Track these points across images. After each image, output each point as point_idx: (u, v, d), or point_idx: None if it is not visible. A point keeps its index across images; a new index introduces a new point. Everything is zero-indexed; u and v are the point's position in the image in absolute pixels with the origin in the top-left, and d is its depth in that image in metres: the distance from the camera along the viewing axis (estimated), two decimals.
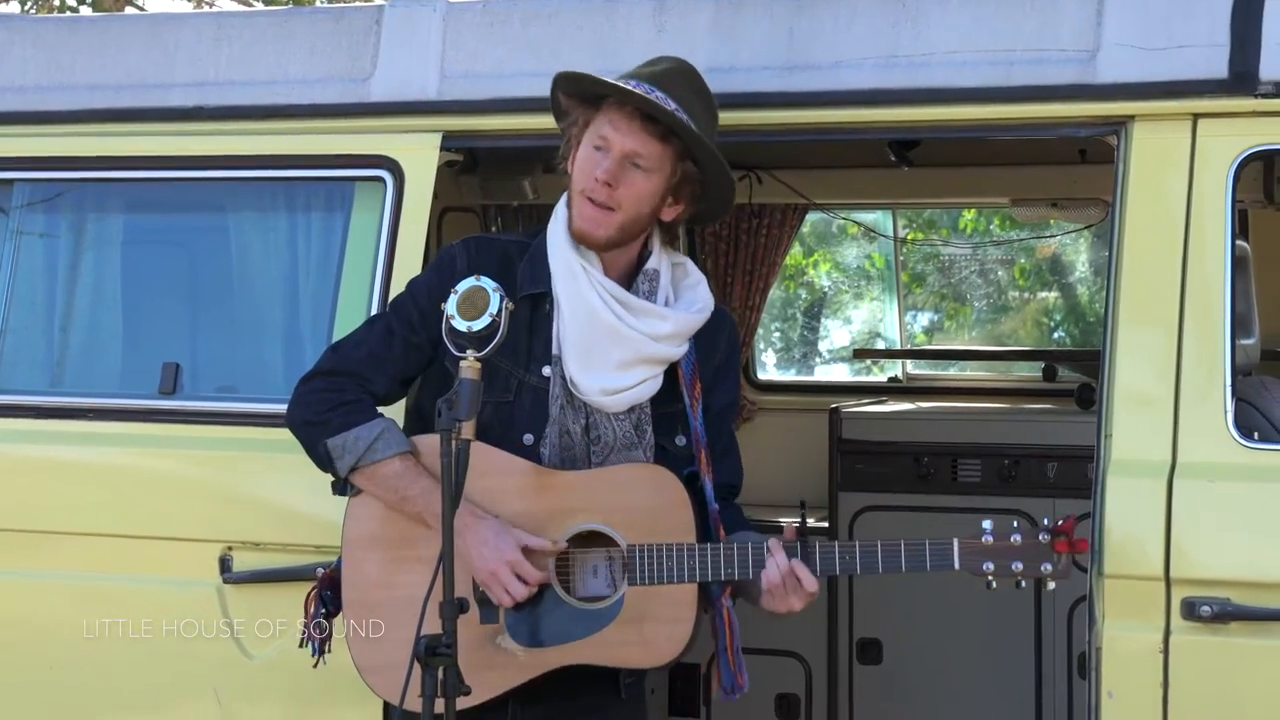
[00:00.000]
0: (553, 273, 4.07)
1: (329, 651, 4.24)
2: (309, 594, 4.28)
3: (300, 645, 4.28)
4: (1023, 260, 12.59)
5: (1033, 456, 6.17)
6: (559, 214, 4.11)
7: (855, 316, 12.28)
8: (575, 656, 3.96)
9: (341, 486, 4.17)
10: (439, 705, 3.68)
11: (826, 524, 6.32)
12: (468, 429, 3.70)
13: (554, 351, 4.05)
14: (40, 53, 5.15)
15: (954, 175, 6.55)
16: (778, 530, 4.11)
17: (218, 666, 4.73)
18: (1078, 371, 7.18)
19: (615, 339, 4.00)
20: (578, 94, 4.09)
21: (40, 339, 5.17)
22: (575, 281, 4.03)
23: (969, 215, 11.68)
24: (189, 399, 4.92)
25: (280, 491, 4.70)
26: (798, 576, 3.89)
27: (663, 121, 3.97)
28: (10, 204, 5.15)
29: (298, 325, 4.99)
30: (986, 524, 3.92)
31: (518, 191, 6.37)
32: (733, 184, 4.14)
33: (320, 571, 4.40)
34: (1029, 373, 7.78)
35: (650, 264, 4.10)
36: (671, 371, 4.09)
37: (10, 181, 5.15)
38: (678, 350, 4.06)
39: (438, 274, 4.15)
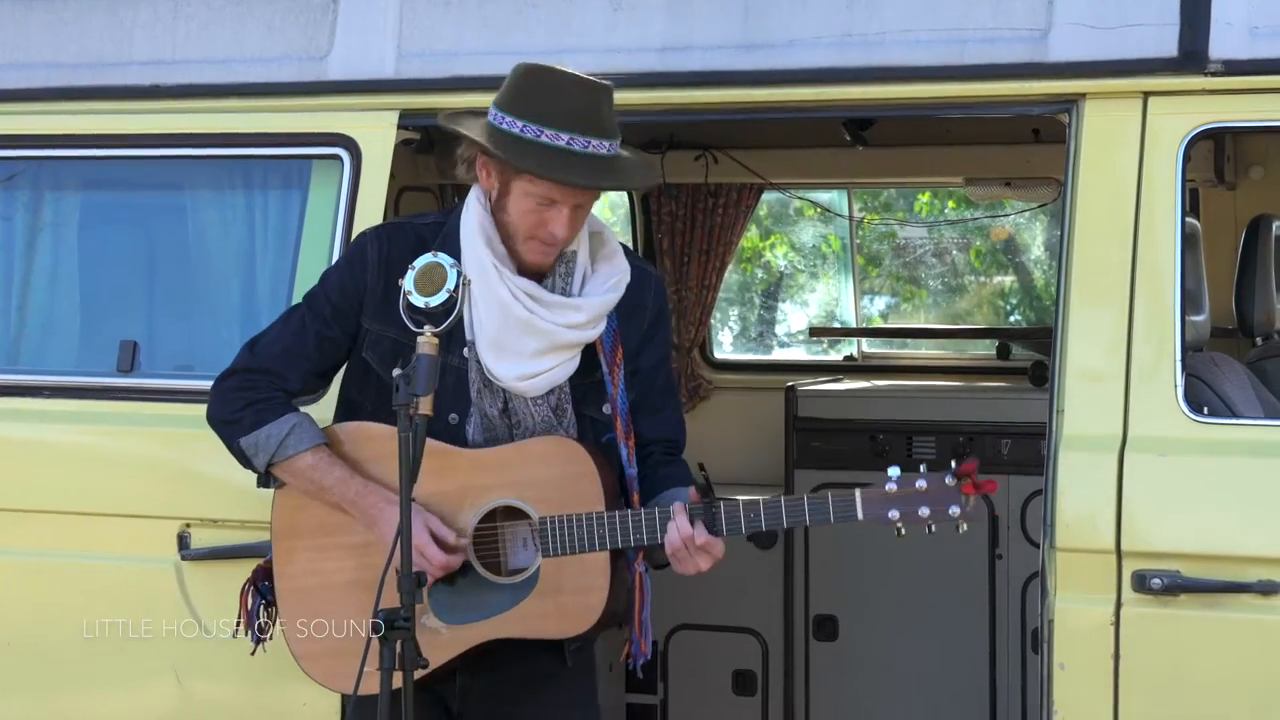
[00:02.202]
0: (464, 262, 4.02)
1: (269, 639, 4.25)
2: (244, 586, 4.28)
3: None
4: (978, 243, 12.57)
5: (987, 433, 6.20)
6: (471, 206, 4.06)
7: (811, 298, 12.27)
8: (495, 631, 3.98)
9: (264, 480, 4.19)
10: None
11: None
12: (425, 404, 3.69)
13: (468, 337, 4.03)
14: None
15: (908, 155, 6.55)
16: None
17: (176, 644, 4.72)
18: (1031, 349, 7.17)
19: (529, 330, 3.97)
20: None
21: None
22: (485, 276, 3.99)
23: (924, 198, 11.68)
24: (146, 376, 4.90)
25: (238, 469, 4.47)
26: (698, 541, 3.84)
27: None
28: None
29: (255, 303, 4.97)
30: (893, 470, 3.86)
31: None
32: (655, 169, 4.20)
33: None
34: (983, 351, 7.77)
35: (570, 245, 4.06)
36: (591, 344, 4.08)
37: None
38: (594, 332, 4.05)
39: (349, 266, 4.15)
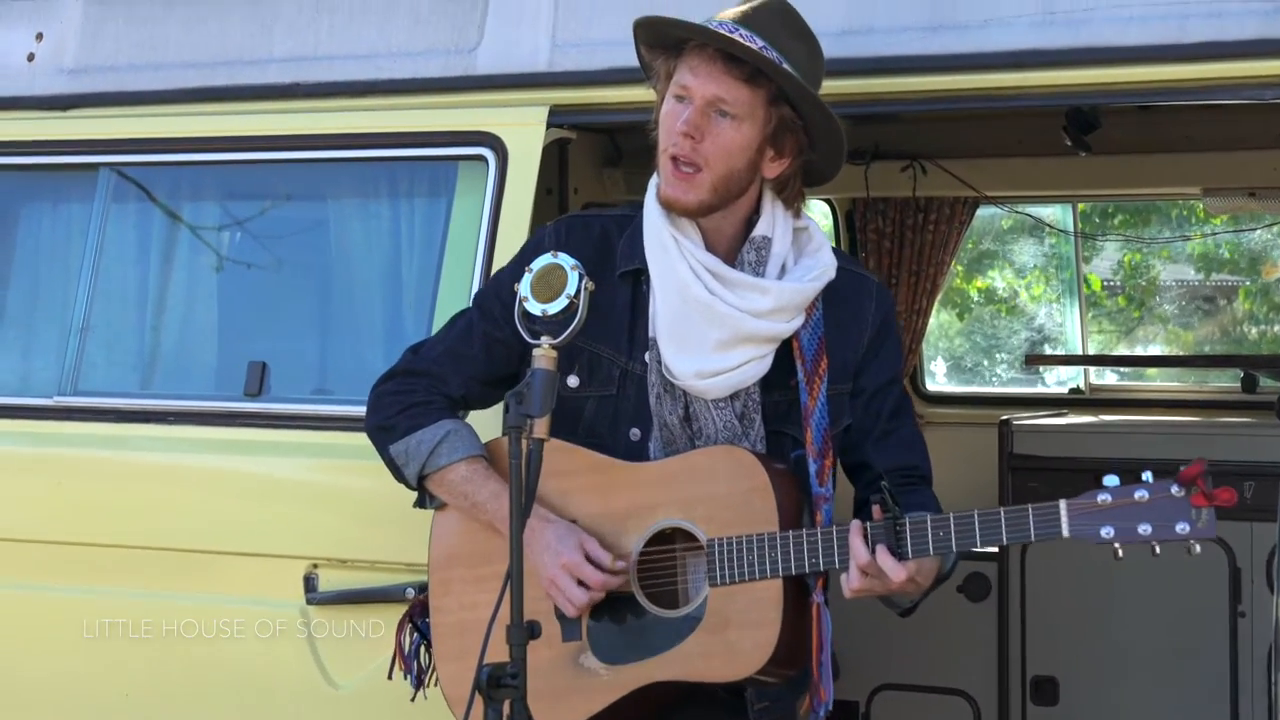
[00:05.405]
0: (645, 246, 3.70)
1: (431, 685, 3.92)
2: (401, 621, 3.98)
3: (390, 678, 3.98)
4: (1248, 283, 12.00)
5: (1228, 474, 5.61)
6: (652, 184, 3.74)
7: (1037, 326, 11.77)
8: (657, 673, 3.56)
9: (422, 499, 3.85)
10: None
11: (995, 548, 5.84)
12: (540, 426, 3.28)
13: (650, 334, 3.68)
14: (134, 29, 4.94)
15: (1138, 163, 6.16)
16: None
17: (302, 696, 4.45)
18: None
19: (710, 317, 3.60)
20: (658, 43, 3.72)
21: (122, 337, 4.94)
22: (666, 254, 3.65)
23: (1197, 238, 11.10)
24: (275, 401, 4.62)
25: (369, 504, 4.37)
26: (881, 566, 3.40)
27: (748, 61, 3.57)
28: (95, 190, 4.91)
29: (396, 320, 4.68)
30: (1109, 479, 3.32)
31: None
32: (840, 130, 3.70)
33: (410, 593, 4.16)
34: (1227, 383, 7.35)
35: (759, 230, 3.69)
36: (786, 347, 3.68)
37: (95, 166, 4.92)
38: (787, 326, 3.64)
39: (522, 260, 3.79)
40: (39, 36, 4.99)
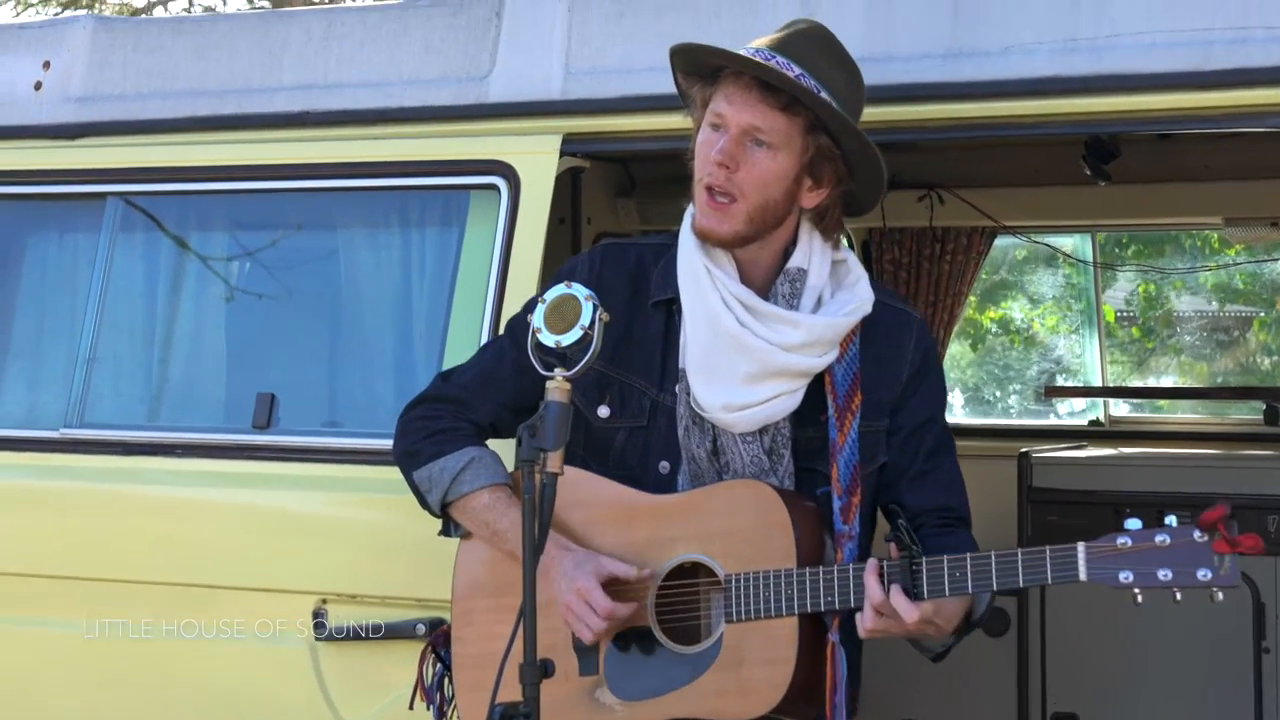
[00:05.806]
0: (679, 276, 3.65)
1: (451, 717, 3.87)
2: (424, 651, 3.94)
3: (411, 708, 3.93)
4: (1262, 314, 11.90)
5: (1251, 508, 5.58)
6: (688, 213, 3.70)
7: (1055, 357, 11.68)
8: (671, 710, 3.52)
9: (447, 527, 3.81)
10: None
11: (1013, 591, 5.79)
12: (554, 460, 3.22)
13: (680, 365, 3.63)
14: (142, 57, 4.89)
15: (1159, 192, 6.06)
16: None
17: None
18: None
19: (739, 349, 3.55)
20: (695, 70, 3.67)
21: (129, 368, 4.85)
22: (698, 284, 3.60)
23: (1209, 277, 11.02)
24: (284, 433, 4.54)
25: (379, 538, 4.32)
26: (894, 606, 3.35)
27: (784, 90, 3.51)
28: (102, 220, 4.84)
29: (406, 352, 4.60)
30: (1131, 523, 3.26)
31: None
32: (879, 159, 3.64)
33: (420, 629, 4.15)
34: (1248, 415, 7.23)
35: (794, 262, 3.63)
36: (819, 382, 3.61)
37: (103, 195, 4.86)
38: (818, 360, 3.59)
39: None
40: (46, 65, 4.94)
